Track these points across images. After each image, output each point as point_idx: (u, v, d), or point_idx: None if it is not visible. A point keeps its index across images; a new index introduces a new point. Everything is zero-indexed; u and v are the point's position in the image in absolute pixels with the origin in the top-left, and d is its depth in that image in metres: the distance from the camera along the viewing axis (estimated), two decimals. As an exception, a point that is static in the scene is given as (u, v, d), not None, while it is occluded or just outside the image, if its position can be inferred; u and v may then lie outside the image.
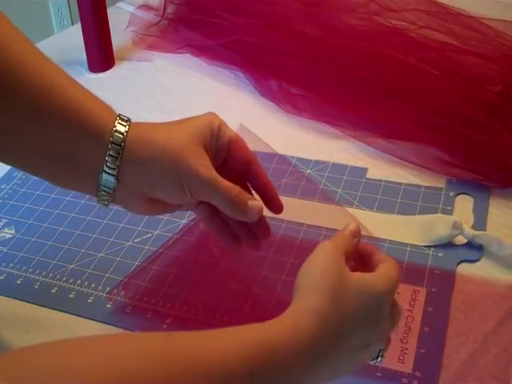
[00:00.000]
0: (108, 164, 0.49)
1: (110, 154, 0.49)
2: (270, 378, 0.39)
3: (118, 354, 0.35)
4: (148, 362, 0.35)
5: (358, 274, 0.44)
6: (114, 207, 0.73)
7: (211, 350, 0.38)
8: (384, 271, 0.45)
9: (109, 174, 0.50)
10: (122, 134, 0.49)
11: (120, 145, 0.49)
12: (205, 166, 0.50)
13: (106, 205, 0.52)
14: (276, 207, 0.56)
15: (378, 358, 0.46)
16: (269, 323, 0.41)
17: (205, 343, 0.39)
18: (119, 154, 0.49)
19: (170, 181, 0.50)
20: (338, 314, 0.42)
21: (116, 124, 0.50)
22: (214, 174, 0.50)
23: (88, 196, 0.75)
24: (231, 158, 0.54)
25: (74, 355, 0.34)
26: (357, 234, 0.47)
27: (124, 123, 0.50)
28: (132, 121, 0.51)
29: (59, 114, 0.49)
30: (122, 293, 0.63)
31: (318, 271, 0.44)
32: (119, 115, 0.51)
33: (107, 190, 0.51)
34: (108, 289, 0.64)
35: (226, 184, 0.51)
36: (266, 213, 0.55)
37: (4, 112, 0.48)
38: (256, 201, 0.53)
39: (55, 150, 0.50)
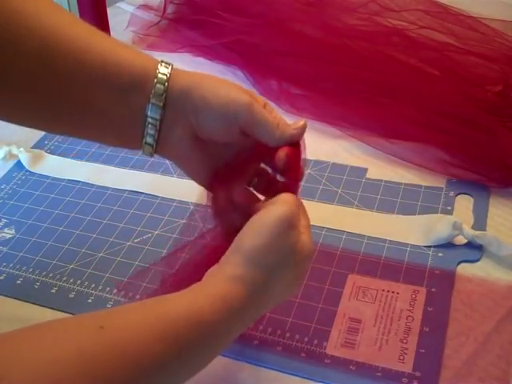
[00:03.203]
0: (153, 102, 0.49)
1: (155, 94, 0.48)
2: (197, 348, 0.42)
3: (48, 360, 0.35)
4: (78, 365, 0.36)
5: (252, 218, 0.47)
6: (114, 207, 0.74)
7: (141, 338, 0.39)
8: (270, 202, 0.48)
9: (155, 105, 0.49)
10: (166, 75, 0.49)
11: (166, 75, 0.49)
12: (249, 94, 0.49)
13: (151, 154, 0.52)
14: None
15: None
16: (195, 296, 0.44)
17: (136, 330, 0.40)
18: (166, 81, 0.48)
19: (217, 106, 0.49)
20: (256, 268, 0.45)
21: (159, 68, 0.49)
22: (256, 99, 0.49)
23: (88, 196, 0.76)
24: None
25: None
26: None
27: (166, 69, 0.49)
28: None
29: (100, 69, 0.48)
30: (122, 293, 0.63)
31: (264, 240, 0.46)
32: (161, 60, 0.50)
33: (153, 126, 0.50)
34: (108, 289, 0.64)
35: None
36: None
37: (47, 77, 0.48)
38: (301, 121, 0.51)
39: (99, 105, 0.49)
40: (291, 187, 0.50)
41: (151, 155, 0.52)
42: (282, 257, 0.46)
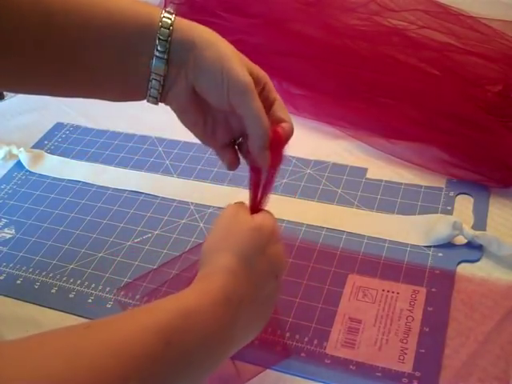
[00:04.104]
0: (158, 48, 0.49)
1: (159, 38, 0.49)
2: (189, 342, 0.41)
3: (42, 356, 0.36)
4: (69, 359, 0.36)
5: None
6: (114, 207, 0.74)
7: (128, 333, 0.39)
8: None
9: (159, 58, 0.49)
10: (170, 19, 0.49)
11: (169, 28, 0.49)
12: (247, 76, 0.49)
13: (156, 103, 0.52)
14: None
15: None
16: (182, 292, 0.44)
17: (123, 327, 0.40)
18: (168, 36, 0.49)
19: (213, 72, 0.49)
20: (242, 261, 0.46)
21: (163, 13, 0.50)
22: (253, 86, 0.49)
23: (88, 196, 0.76)
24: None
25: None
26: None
27: (170, 15, 0.50)
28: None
29: (106, 19, 0.49)
30: (122, 293, 0.63)
31: (219, 231, 0.49)
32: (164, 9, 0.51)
33: (157, 79, 0.50)
34: (108, 289, 0.64)
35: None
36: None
37: (54, 37, 0.49)
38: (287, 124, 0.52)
39: (107, 59, 0.50)
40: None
41: (155, 104, 0.53)
42: (243, 236, 0.48)
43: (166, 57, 0.49)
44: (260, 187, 0.52)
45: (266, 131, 0.49)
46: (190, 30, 0.50)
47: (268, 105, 0.52)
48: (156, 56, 0.49)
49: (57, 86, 0.53)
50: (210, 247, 0.49)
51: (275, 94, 0.52)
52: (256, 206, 0.52)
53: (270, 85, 0.52)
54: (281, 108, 0.52)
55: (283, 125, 0.51)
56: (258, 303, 0.48)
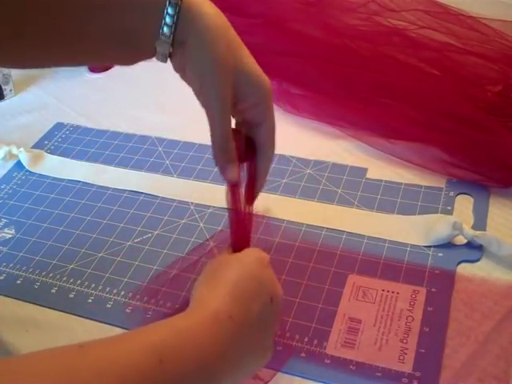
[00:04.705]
0: (167, 12, 0.48)
1: (170, 3, 0.48)
2: (182, 359, 0.41)
3: (34, 375, 0.36)
4: (62, 379, 0.36)
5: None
6: (114, 207, 0.74)
7: (121, 352, 0.39)
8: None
9: (167, 26, 0.48)
10: None
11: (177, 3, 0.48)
12: (225, 90, 0.49)
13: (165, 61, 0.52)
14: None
15: None
16: (173, 316, 0.44)
17: (117, 346, 0.40)
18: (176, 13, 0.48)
19: (203, 60, 0.49)
20: (228, 287, 0.46)
21: None
22: (227, 104, 0.49)
23: (88, 196, 0.76)
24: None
25: None
26: None
27: None
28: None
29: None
30: (122, 293, 0.63)
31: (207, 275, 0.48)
32: None
33: (166, 43, 0.49)
34: (108, 289, 0.64)
35: (229, 127, 0.50)
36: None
37: (61, 14, 0.49)
38: (235, 168, 0.52)
39: (115, 24, 0.50)
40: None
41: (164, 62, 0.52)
42: (228, 270, 0.47)
43: (172, 35, 0.49)
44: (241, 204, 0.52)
45: (225, 134, 0.50)
46: (199, 5, 0.49)
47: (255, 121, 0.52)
48: (165, 23, 0.48)
49: (69, 53, 0.53)
50: (198, 289, 0.48)
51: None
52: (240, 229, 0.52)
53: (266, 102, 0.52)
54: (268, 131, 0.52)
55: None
56: (254, 328, 0.46)
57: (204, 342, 0.42)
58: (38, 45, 0.51)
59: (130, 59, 0.53)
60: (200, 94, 0.51)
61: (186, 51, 0.50)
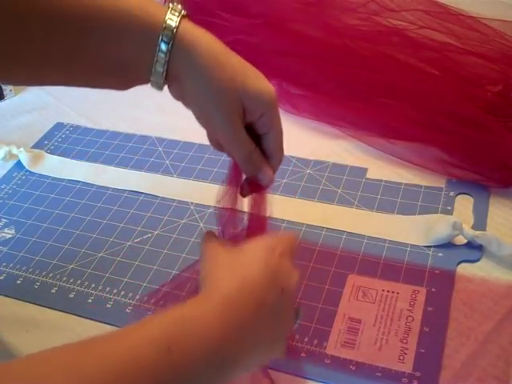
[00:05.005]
0: (160, 49, 0.48)
1: (162, 40, 0.48)
2: (190, 347, 0.40)
3: (43, 373, 0.36)
4: (70, 375, 0.36)
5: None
6: (114, 207, 0.74)
7: (129, 345, 0.39)
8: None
9: (159, 63, 0.48)
10: (175, 22, 0.48)
11: (173, 31, 0.48)
12: (230, 116, 0.49)
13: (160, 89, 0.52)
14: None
15: (297, 317, 0.49)
16: (179, 304, 0.43)
17: (122, 340, 0.39)
18: (172, 34, 0.48)
19: (201, 92, 0.49)
20: (246, 287, 0.44)
21: (168, 14, 0.49)
22: (237, 128, 0.50)
23: (88, 196, 0.76)
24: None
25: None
26: None
27: (176, 13, 0.49)
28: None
29: (111, 20, 0.48)
30: (122, 293, 0.63)
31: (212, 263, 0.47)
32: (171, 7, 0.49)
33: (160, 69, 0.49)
34: (108, 289, 0.64)
35: (246, 144, 0.51)
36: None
37: (56, 36, 0.48)
38: (268, 172, 0.53)
39: (110, 60, 0.50)
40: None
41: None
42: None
43: (167, 59, 0.48)
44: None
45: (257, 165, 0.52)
46: (193, 39, 0.49)
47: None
48: (160, 49, 0.48)
49: (61, 75, 0.53)
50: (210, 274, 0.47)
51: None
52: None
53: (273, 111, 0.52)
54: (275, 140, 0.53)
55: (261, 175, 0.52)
56: (266, 318, 0.45)
57: (214, 328, 0.42)
58: (31, 64, 0.51)
59: (123, 86, 0.53)
60: (208, 125, 0.51)
61: (181, 84, 0.50)
